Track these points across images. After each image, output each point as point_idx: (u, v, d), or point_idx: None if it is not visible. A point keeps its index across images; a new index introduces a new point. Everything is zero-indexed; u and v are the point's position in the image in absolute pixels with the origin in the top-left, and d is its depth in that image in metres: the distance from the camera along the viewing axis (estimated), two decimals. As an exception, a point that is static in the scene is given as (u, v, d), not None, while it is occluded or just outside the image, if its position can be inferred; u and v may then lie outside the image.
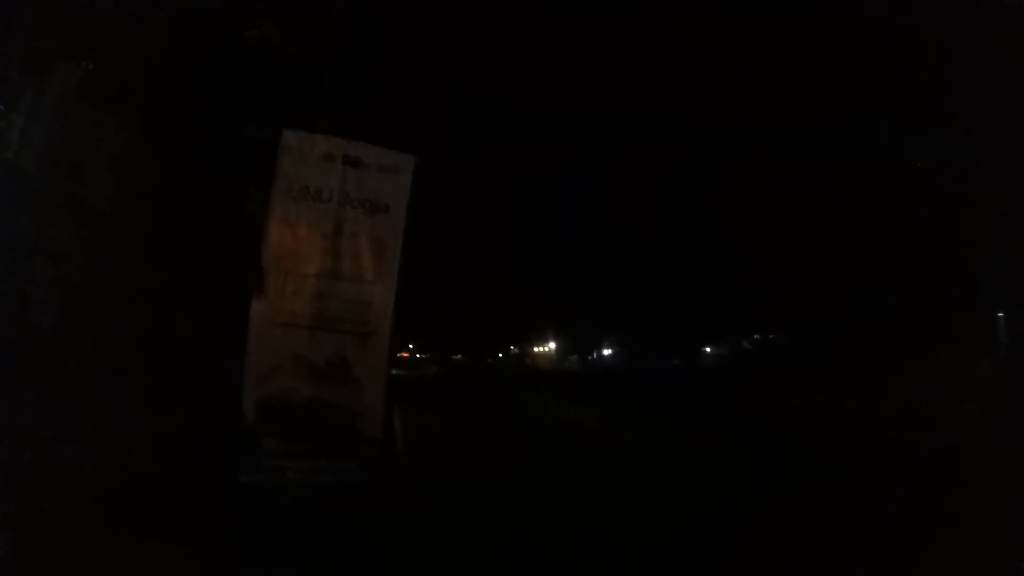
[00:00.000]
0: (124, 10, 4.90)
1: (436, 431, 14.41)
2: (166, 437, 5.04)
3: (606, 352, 71.49)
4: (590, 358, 73.76)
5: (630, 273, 52.85)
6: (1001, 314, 23.99)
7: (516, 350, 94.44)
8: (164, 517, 4.52)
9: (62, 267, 4.53)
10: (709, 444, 13.60)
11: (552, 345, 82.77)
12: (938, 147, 24.73)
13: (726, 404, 24.42)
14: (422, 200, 5.60)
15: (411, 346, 72.73)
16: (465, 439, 13.99)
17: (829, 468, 10.87)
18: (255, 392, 4.93)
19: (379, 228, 5.38)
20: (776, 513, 7.17)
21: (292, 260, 5.12)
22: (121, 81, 4.80)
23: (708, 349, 54.61)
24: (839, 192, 30.78)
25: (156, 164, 5.02)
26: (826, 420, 19.69)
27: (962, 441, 13.43)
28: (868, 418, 19.91)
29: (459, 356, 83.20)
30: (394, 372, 6.20)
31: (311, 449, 5.07)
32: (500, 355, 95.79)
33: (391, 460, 6.36)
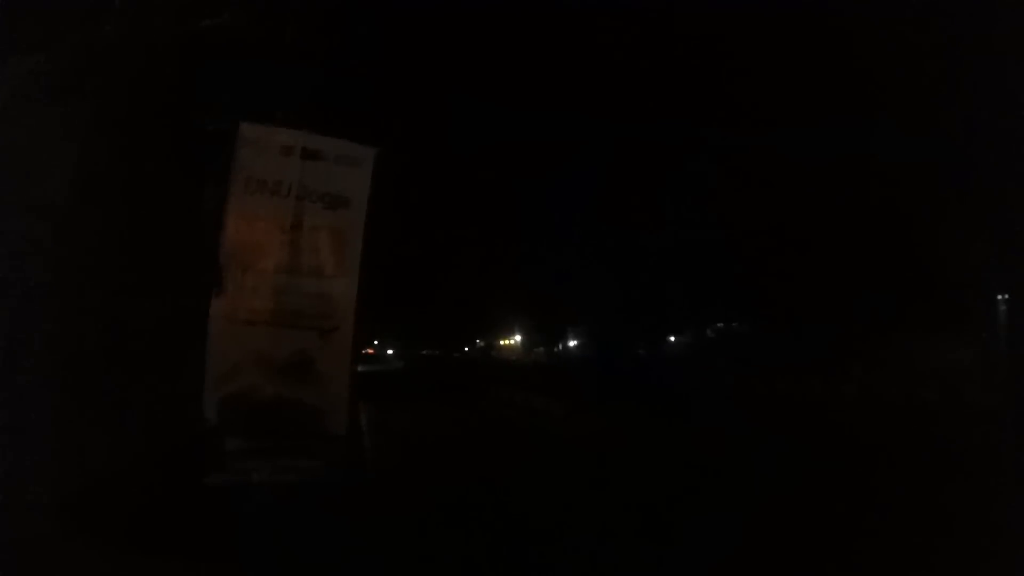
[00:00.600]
0: (76, 2, 4.77)
1: (402, 426, 14.34)
2: (128, 440, 4.94)
3: (572, 343, 71.75)
4: (556, 350, 73.96)
5: (594, 265, 53.02)
6: (1001, 296, 24.36)
7: (482, 343, 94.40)
8: (129, 522, 4.43)
9: (16, 268, 4.40)
10: (673, 433, 13.68)
11: (518, 338, 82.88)
12: (917, 143, 25.14)
13: (689, 390, 24.63)
14: (386, 193, 5.55)
15: (376, 342, 72.42)
16: (431, 432, 13.95)
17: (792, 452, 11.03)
18: (216, 392, 4.85)
19: (340, 222, 5.31)
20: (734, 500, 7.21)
21: (251, 256, 5.03)
22: (73, 74, 4.67)
23: (672, 338, 55.03)
24: (805, 181, 31.11)
25: (111, 159, 4.90)
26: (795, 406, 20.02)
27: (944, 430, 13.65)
28: (830, 404, 20.25)
29: (425, 351, 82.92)
30: (360, 368, 6.14)
31: (275, 448, 5.00)
32: (466, 348, 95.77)
33: (358, 457, 6.29)
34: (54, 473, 4.42)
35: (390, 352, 78.74)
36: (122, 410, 4.93)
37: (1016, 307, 21.86)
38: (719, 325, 48.83)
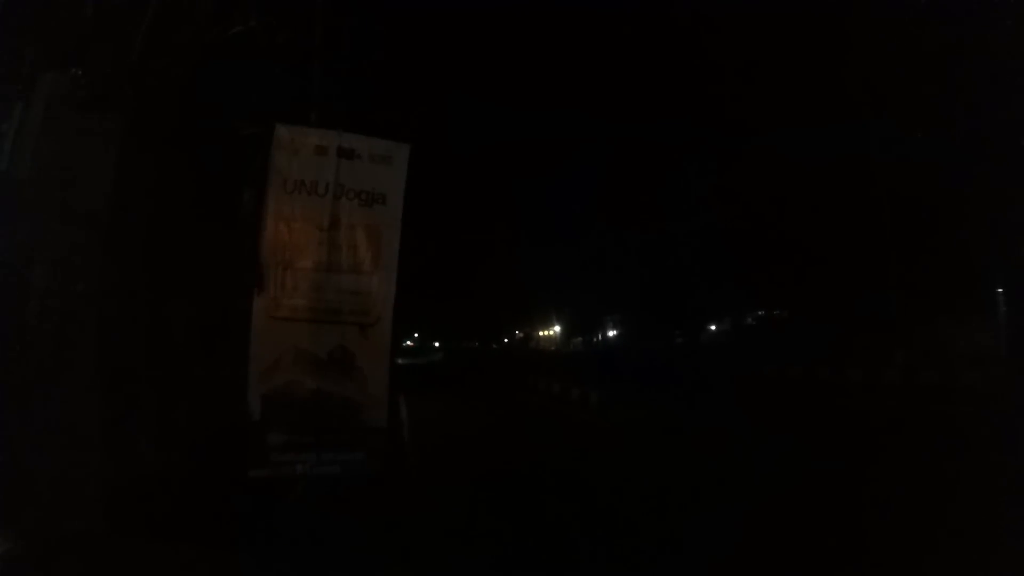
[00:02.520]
0: (107, 15, 4.89)
1: (442, 418, 14.41)
2: (173, 437, 5.07)
3: (611, 333, 71.49)
4: (595, 340, 73.76)
5: (632, 255, 52.67)
6: (1000, 289, 24.19)
7: (520, 334, 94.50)
8: (174, 517, 4.56)
9: (61, 275, 4.55)
10: (708, 427, 13.51)
11: (556, 328, 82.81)
12: (939, 136, 24.82)
13: (728, 380, 24.38)
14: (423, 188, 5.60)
15: (416, 334, 72.96)
16: (469, 425, 13.98)
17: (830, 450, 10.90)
18: (259, 387, 4.96)
19: (376, 218, 5.38)
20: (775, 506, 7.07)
21: (290, 254, 5.13)
22: (108, 86, 4.79)
23: (713, 327, 54.53)
24: (838, 177, 30.69)
25: (149, 166, 5.02)
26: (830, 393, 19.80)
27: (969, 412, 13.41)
28: (872, 390, 19.97)
29: (465, 342, 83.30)
30: (399, 361, 6.19)
31: (317, 441, 5.09)
32: (505, 340, 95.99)
33: (398, 448, 6.37)
34: (103, 468, 4.56)
35: (436, 344, 79.41)
36: (168, 407, 5.08)
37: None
38: (760, 313, 48.26)
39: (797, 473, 8.30)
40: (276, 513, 4.74)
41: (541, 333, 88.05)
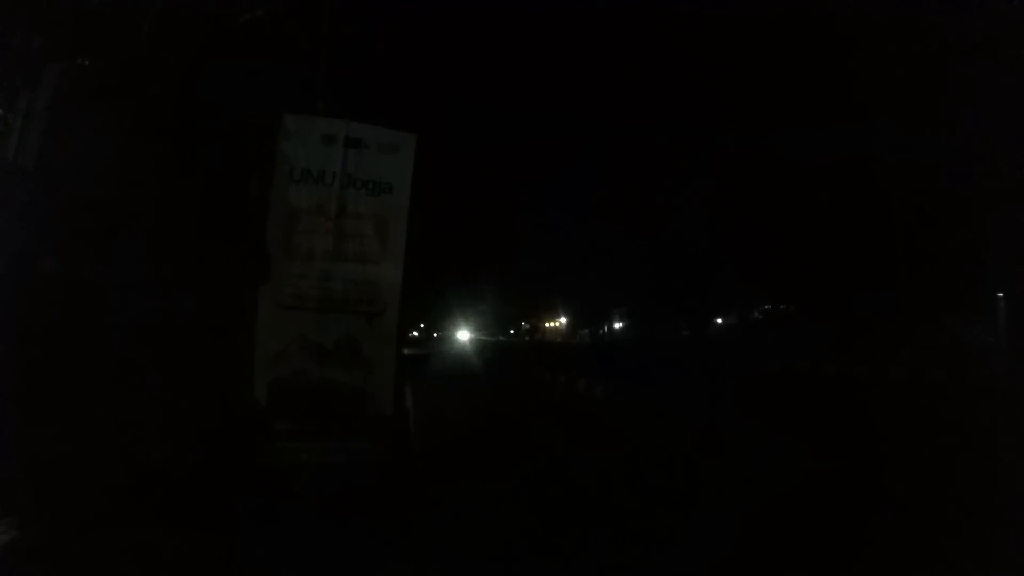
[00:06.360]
0: (113, 4, 4.89)
1: (445, 409, 14.39)
2: (179, 426, 5.09)
3: (617, 325, 71.54)
4: (601, 332, 73.81)
5: (639, 247, 52.55)
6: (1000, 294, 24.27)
7: (527, 326, 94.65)
8: (179, 506, 4.58)
9: (66, 264, 4.56)
10: (714, 425, 13.46)
11: (563, 320, 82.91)
12: (942, 138, 24.81)
13: (735, 377, 24.31)
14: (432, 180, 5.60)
15: (421, 325, 73.12)
16: (472, 417, 13.96)
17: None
18: (265, 376, 4.98)
19: (383, 208, 5.39)
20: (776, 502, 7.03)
21: (297, 243, 5.15)
22: (114, 75, 4.80)
23: (719, 320, 54.50)
24: (842, 175, 30.64)
25: (156, 155, 5.02)
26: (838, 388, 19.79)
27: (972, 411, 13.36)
28: (878, 386, 19.94)
29: (469, 333, 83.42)
30: (406, 351, 6.19)
31: (323, 430, 5.11)
32: (511, 331, 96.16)
33: (403, 437, 6.37)
34: (108, 458, 4.58)
35: (437, 334, 79.60)
36: (173, 396, 5.09)
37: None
38: (766, 307, 48.20)
39: (812, 472, 8.26)
40: (282, 502, 4.75)
41: (547, 325, 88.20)
